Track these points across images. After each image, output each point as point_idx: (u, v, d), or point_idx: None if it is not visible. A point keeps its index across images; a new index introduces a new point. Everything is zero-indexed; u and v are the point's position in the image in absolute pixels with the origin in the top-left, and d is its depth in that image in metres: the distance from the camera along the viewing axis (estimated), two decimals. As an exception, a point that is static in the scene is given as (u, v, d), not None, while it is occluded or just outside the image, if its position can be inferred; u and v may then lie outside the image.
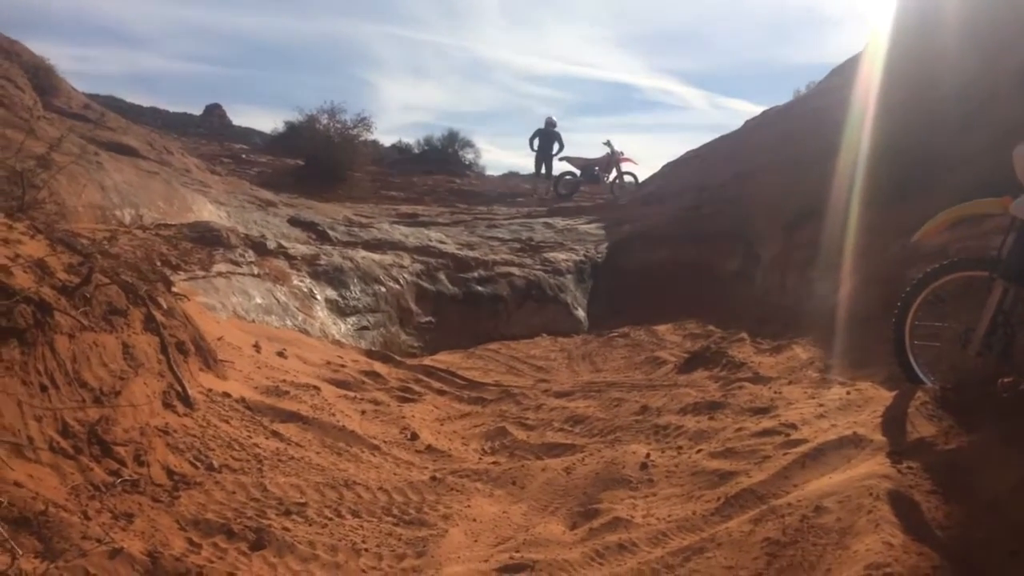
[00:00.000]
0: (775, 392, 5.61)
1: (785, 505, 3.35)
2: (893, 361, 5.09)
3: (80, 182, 7.77)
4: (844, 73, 13.83)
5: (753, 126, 16.88)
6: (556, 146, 20.03)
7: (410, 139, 29.63)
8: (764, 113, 17.35)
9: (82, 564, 2.61)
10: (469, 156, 26.22)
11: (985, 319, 4.36)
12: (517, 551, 3.44)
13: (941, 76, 9.89)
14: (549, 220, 15.47)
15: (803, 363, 6.88)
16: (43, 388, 3.37)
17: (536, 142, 19.97)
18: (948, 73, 9.75)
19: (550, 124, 20.12)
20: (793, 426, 4.49)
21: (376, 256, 10.87)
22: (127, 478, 3.42)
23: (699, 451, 4.51)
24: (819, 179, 10.19)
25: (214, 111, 30.02)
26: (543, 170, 20.27)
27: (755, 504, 3.55)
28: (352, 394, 6.17)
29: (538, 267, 12.27)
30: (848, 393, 4.94)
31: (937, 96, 9.61)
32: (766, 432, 4.51)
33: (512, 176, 27.07)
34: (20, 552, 2.53)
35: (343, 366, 6.97)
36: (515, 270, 11.98)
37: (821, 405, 4.81)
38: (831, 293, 8.76)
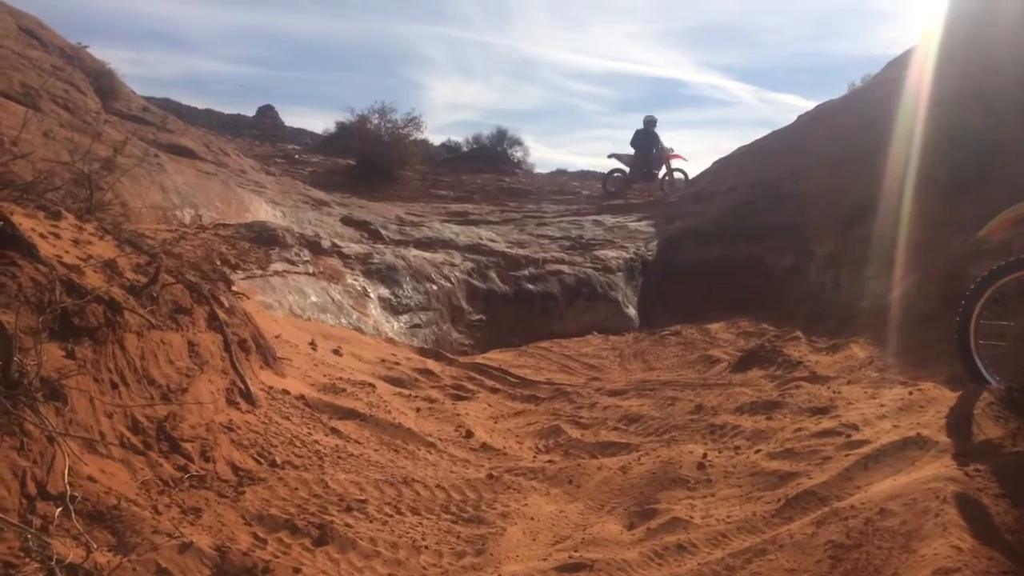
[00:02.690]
0: (834, 392, 5.53)
1: (848, 507, 3.31)
2: (956, 360, 4.99)
3: (142, 184, 7.97)
4: (901, 65, 13.58)
5: (806, 120, 16.65)
6: (655, 149, 19.19)
7: (459, 138, 29.67)
8: (818, 107, 17.09)
9: (154, 558, 2.68)
10: (518, 154, 26.17)
11: None
12: (575, 550, 3.45)
13: (1000, 64, 9.65)
14: (599, 218, 15.42)
15: (861, 362, 6.77)
16: (114, 385, 3.47)
17: (635, 144, 19.13)
18: (1007, 61, 9.50)
19: (650, 123, 19.35)
20: (854, 427, 4.43)
21: (428, 254, 10.95)
22: (194, 473, 3.50)
23: (757, 451, 4.47)
24: (875, 174, 10.01)
25: (267, 112, 30.46)
26: (645, 169, 19.28)
27: (817, 506, 3.51)
28: (407, 392, 6.23)
29: (588, 265, 12.24)
30: (910, 393, 4.85)
31: (996, 85, 9.37)
32: (826, 433, 4.45)
33: (560, 174, 27.02)
34: (95, 546, 2.61)
35: (397, 364, 7.03)
36: (565, 268, 11.96)
37: (882, 405, 4.73)
38: (888, 290, 8.61)
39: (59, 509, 2.68)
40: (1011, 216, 4.69)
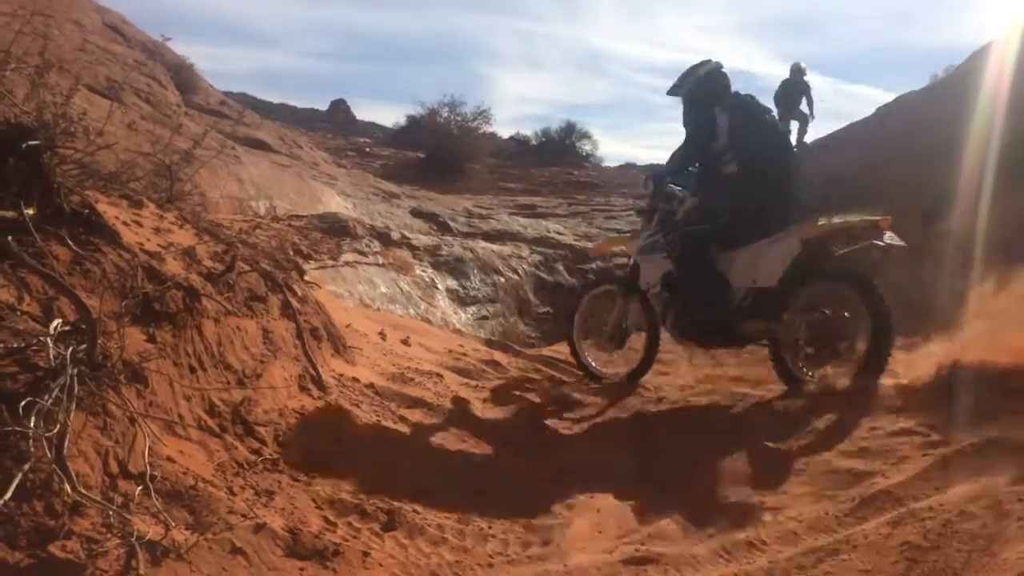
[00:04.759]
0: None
1: (926, 508, 3.20)
2: None
3: (220, 175, 8.19)
4: (985, 56, 13.07)
5: (886, 113, 16.18)
6: (804, 102, 15.14)
7: (527, 131, 29.73)
8: (898, 99, 16.60)
9: (229, 537, 2.74)
10: (586, 148, 26.06)
11: None
12: (642, 544, 3.41)
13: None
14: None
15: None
16: (192, 369, 3.57)
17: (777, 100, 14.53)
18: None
19: (796, 72, 15.20)
20: (933, 426, 4.28)
21: (495, 247, 10.99)
22: (268, 457, 3.58)
23: (830, 449, 4.36)
24: (958, 168, 9.67)
25: (339, 106, 30.94)
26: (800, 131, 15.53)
27: (893, 506, 3.40)
28: (473, 382, 6.26)
29: (657, 259, 12.10)
30: (993, 392, 4.67)
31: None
32: (903, 432, 4.31)
33: (629, 167, 26.78)
34: (173, 524, 2.68)
35: (464, 355, 7.06)
36: (634, 262, 11.85)
37: (964, 404, 4.56)
38: (969, 288, 8.30)
39: (139, 488, 2.76)
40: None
